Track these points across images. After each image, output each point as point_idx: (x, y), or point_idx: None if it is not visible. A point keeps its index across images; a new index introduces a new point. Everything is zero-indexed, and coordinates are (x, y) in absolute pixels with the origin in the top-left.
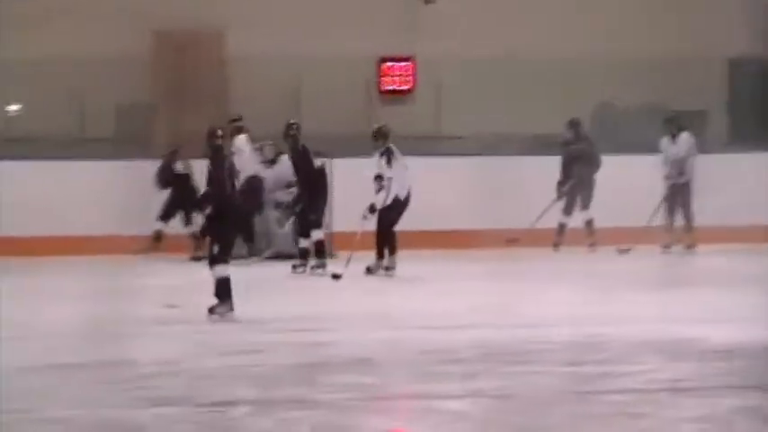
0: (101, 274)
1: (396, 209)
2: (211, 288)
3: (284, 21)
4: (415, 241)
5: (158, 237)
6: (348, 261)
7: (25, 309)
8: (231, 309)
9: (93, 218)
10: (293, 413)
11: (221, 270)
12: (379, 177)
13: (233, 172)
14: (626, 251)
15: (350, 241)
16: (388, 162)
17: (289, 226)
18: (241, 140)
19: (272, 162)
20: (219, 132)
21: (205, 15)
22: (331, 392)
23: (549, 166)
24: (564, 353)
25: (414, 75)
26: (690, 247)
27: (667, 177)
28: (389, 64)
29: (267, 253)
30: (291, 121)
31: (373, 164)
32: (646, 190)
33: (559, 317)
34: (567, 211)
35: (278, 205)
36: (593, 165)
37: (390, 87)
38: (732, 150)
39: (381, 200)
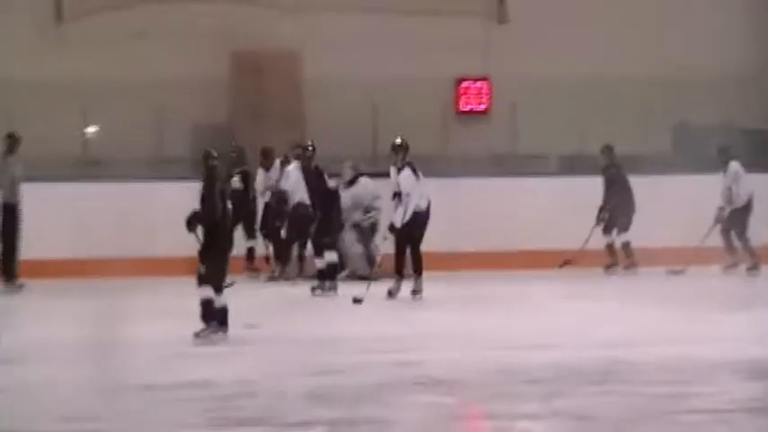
0: (182, 294)
1: (418, 225)
2: (292, 307)
3: (361, 42)
4: (489, 261)
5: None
6: (369, 285)
7: (106, 328)
8: (215, 331)
9: (170, 238)
10: None
11: (205, 292)
12: (397, 195)
13: (225, 195)
14: (679, 272)
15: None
16: (415, 174)
17: (361, 247)
18: (293, 166)
19: (350, 183)
20: (215, 154)
21: (282, 37)
22: (409, 412)
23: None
24: (640, 373)
25: (489, 95)
26: (751, 269)
27: (720, 205)
28: (466, 84)
29: (342, 274)
30: (307, 143)
31: (392, 178)
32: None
33: (634, 337)
34: (607, 230)
35: (355, 226)
36: (625, 190)
37: (467, 108)
38: None
39: (400, 217)
